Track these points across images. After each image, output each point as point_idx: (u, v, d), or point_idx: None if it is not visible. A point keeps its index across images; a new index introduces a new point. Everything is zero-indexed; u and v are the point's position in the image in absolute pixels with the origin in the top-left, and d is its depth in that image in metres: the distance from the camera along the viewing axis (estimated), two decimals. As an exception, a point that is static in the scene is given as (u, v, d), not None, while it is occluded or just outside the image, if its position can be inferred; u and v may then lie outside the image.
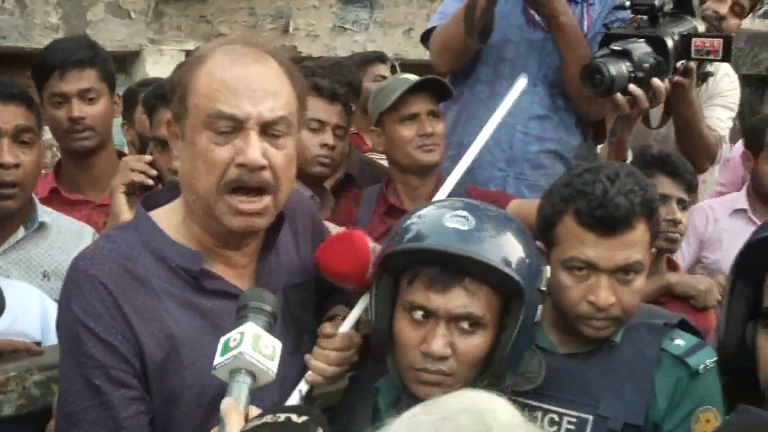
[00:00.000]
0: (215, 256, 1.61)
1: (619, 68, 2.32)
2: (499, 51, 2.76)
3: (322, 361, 1.68)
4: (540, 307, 1.63)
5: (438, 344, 1.55)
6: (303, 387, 1.68)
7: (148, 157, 2.23)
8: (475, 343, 1.57)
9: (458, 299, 1.55)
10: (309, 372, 1.68)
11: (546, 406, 1.78)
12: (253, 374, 1.36)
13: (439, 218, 1.59)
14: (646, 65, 2.33)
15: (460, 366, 1.56)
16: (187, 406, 1.54)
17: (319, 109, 2.72)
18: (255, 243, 1.66)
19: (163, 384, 1.53)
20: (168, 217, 1.62)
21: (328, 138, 2.70)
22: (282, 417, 1.20)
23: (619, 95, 2.33)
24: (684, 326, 1.85)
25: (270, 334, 1.40)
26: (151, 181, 2.11)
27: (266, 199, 1.54)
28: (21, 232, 2.26)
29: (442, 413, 0.89)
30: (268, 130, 1.51)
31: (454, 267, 1.55)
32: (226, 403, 1.32)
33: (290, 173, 1.59)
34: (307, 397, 1.70)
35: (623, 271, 1.74)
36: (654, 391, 1.76)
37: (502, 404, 0.96)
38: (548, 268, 1.69)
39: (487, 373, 1.59)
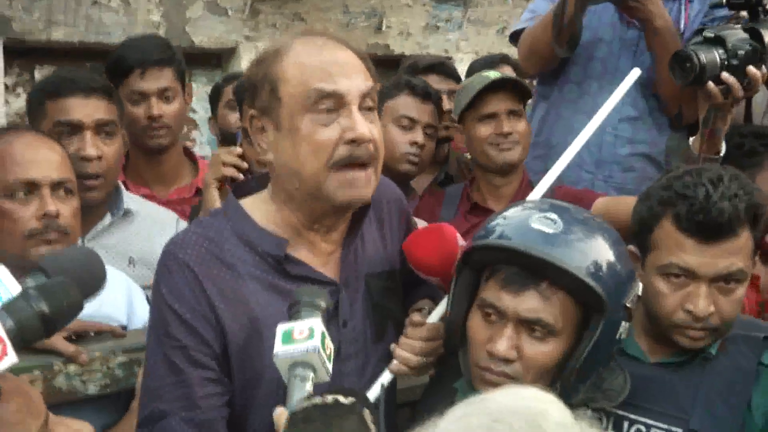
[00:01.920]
0: (302, 242, 1.64)
1: (711, 55, 2.20)
2: (590, 50, 2.69)
3: (407, 351, 1.67)
4: (624, 324, 1.55)
5: (502, 345, 1.51)
6: (386, 377, 1.68)
7: (238, 150, 2.27)
8: (544, 350, 1.51)
9: (530, 303, 1.50)
10: (393, 361, 1.68)
11: (633, 416, 1.71)
12: (314, 370, 1.34)
13: (526, 219, 1.54)
14: (741, 52, 2.20)
15: (525, 371, 1.51)
16: (269, 387, 1.56)
17: (410, 107, 2.73)
18: (340, 230, 1.68)
19: (246, 365, 1.57)
20: (257, 205, 1.67)
21: (418, 136, 2.71)
22: (330, 398, 1.18)
23: (711, 84, 2.21)
24: None
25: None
26: (242, 176, 2.14)
27: (370, 171, 1.57)
28: (108, 219, 2.33)
29: (493, 415, 0.86)
30: (363, 104, 1.56)
31: (533, 269, 1.50)
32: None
33: (383, 147, 1.63)
34: (390, 389, 1.69)
35: (724, 280, 1.65)
36: (751, 407, 1.66)
37: (554, 404, 0.92)
38: (640, 284, 1.62)
39: (555, 385, 1.52)
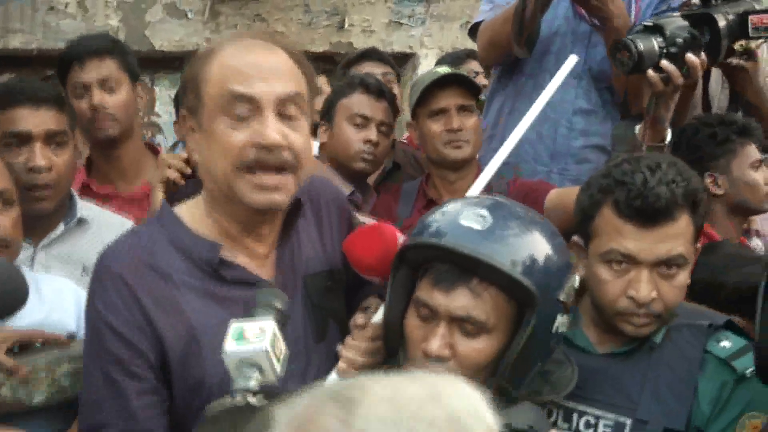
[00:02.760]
0: (236, 246, 1.62)
1: (648, 43, 2.21)
2: (545, 43, 2.70)
3: (353, 352, 1.66)
4: (561, 317, 1.55)
5: (435, 344, 1.50)
6: (332, 378, 1.66)
7: (184, 154, 2.25)
8: (478, 347, 1.51)
9: (461, 300, 1.49)
10: (340, 362, 1.66)
11: (582, 408, 1.72)
12: (261, 371, 1.34)
13: (457, 215, 1.54)
14: (680, 40, 2.21)
15: (460, 369, 1.49)
16: (210, 394, 1.53)
17: (364, 105, 2.72)
18: (274, 232, 1.67)
19: (186, 373, 1.56)
20: (191, 211, 1.65)
21: (372, 134, 2.70)
22: (240, 399, 1.20)
23: (650, 72, 2.22)
24: (731, 327, 1.76)
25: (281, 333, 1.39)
26: (183, 180, 2.13)
27: (285, 176, 1.55)
28: (60, 228, 2.30)
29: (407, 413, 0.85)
30: (283, 110, 1.54)
31: (463, 267, 1.49)
32: None
33: (308, 154, 1.61)
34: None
35: (665, 265, 1.66)
36: (697, 395, 1.68)
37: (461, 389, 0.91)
38: (576, 277, 1.61)
39: (493, 380, 1.52)
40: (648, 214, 1.63)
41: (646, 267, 1.66)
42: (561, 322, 1.56)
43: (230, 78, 1.52)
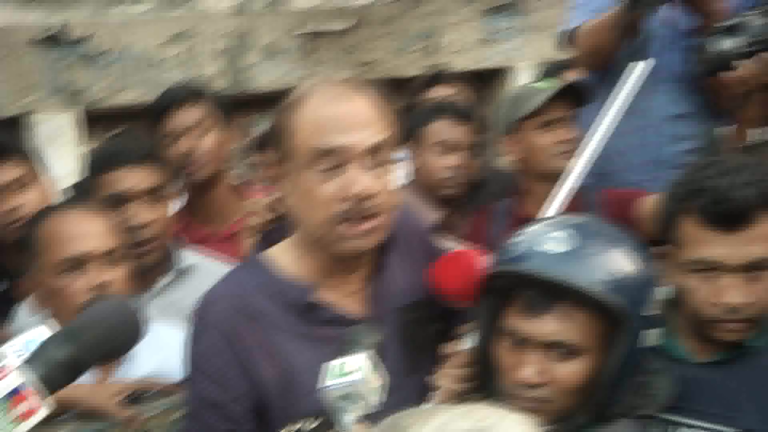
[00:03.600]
0: (329, 284, 1.67)
1: (728, 43, 2.16)
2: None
3: (446, 380, 1.68)
4: (650, 331, 1.55)
5: (527, 371, 1.50)
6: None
7: (265, 200, 2.33)
8: (572, 369, 1.50)
9: (550, 326, 1.49)
10: (436, 392, 1.68)
11: (680, 420, 1.67)
12: (359, 402, 1.37)
13: (539, 239, 1.54)
14: (762, 38, 2.15)
15: (556, 393, 1.50)
16: None
17: (444, 131, 2.74)
18: (365, 267, 1.71)
19: (284, 414, 1.59)
20: (283, 254, 1.71)
21: (456, 160, 2.71)
22: (297, 426, 1.29)
23: (729, 73, 2.16)
24: None
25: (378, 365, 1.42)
26: (268, 226, 2.19)
27: (374, 221, 1.59)
28: (167, 278, 2.42)
29: None
30: (370, 159, 1.57)
31: (549, 291, 1.49)
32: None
33: (395, 199, 1.65)
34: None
35: (754, 268, 1.62)
36: None
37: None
38: (665, 288, 1.61)
39: (589, 400, 1.51)
40: (729, 218, 1.60)
41: (734, 272, 1.61)
42: (652, 335, 1.55)
43: (317, 132, 1.57)
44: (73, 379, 1.21)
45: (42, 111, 4.81)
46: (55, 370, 1.16)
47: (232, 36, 5.21)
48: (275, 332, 1.63)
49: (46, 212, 2.09)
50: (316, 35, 5.34)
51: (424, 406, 1.67)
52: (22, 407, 1.11)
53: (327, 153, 1.56)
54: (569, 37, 2.84)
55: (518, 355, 1.53)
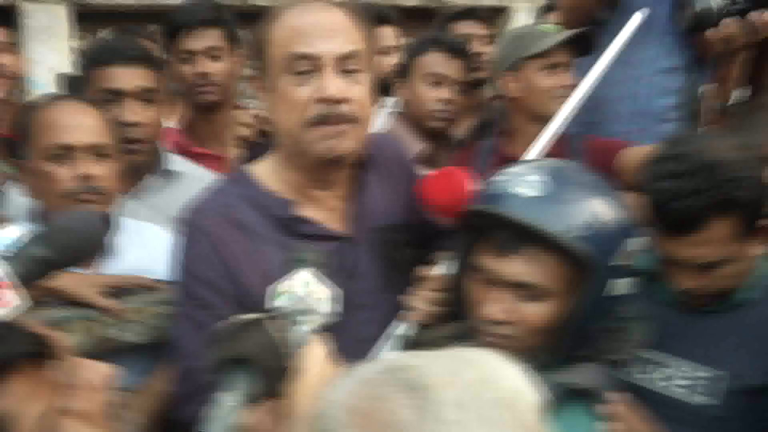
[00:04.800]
0: (308, 200, 1.74)
1: (707, 2, 2.19)
2: (629, 3, 2.67)
3: (418, 302, 1.76)
4: (622, 280, 1.57)
5: (493, 309, 1.55)
6: (402, 327, 1.76)
7: (254, 111, 2.36)
8: (538, 311, 1.54)
9: (517, 267, 1.53)
10: (410, 313, 1.76)
11: (659, 358, 1.76)
12: (308, 316, 1.41)
13: (512, 181, 1.58)
14: None
15: (521, 332, 1.54)
16: None
17: (438, 63, 2.76)
18: (345, 185, 1.77)
19: None
20: (264, 168, 1.78)
21: (446, 93, 2.74)
22: (245, 318, 1.34)
23: (710, 31, 2.21)
24: None
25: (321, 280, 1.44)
26: (255, 137, 2.23)
27: (347, 126, 1.65)
28: (151, 180, 2.46)
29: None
30: (342, 66, 1.64)
31: (520, 233, 1.52)
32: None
33: (369, 107, 1.70)
34: (409, 341, 1.77)
35: (708, 267, 1.69)
36: None
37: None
38: (635, 240, 1.63)
39: (553, 342, 1.56)
40: (674, 224, 1.67)
41: (690, 267, 1.70)
42: (623, 284, 1.58)
43: (292, 39, 1.63)
44: (46, 276, 1.28)
45: (35, 1, 4.74)
46: (31, 266, 1.22)
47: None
48: (260, 242, 1.70)
49: (42, 101, 2.12)
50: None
51: (399, 326, 1.75)
52: (3, 295, 1.16)
53: (301, 57, 1.62)
54: None
55: (487, 292, 1.57)
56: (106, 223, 1.48)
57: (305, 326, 1.39)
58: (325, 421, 0.89)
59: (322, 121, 1.63)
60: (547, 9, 3.95)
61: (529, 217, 1.50)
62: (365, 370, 0.93)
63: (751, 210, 1.67)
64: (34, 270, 1.22)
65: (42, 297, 1.81)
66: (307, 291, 1.40)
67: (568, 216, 1.52)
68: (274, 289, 1.41)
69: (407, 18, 4.80)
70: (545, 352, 1.55)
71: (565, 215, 1.52)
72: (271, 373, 1.28)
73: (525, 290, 1.53)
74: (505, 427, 0.86)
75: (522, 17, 5.38)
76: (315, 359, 1.34)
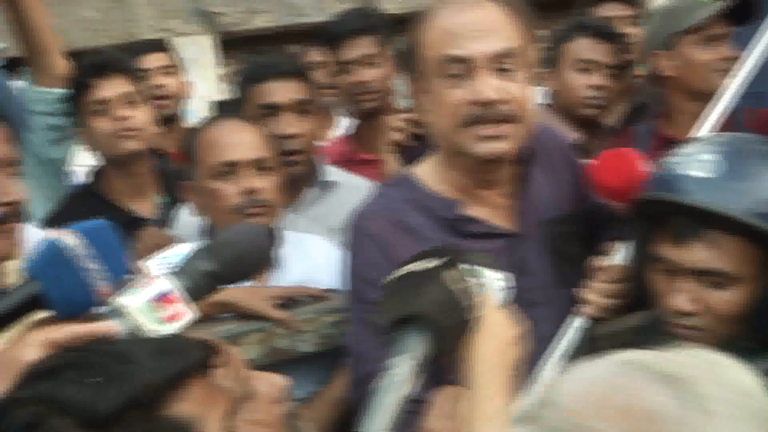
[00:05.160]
0: (474, 199, 1.72)
1: None
2: None
3: (593, 294, 1.70)
4: None
5: (679, 300, 1.48)
6: (576, 321, 1.71)
7: (406, 114, 2.36)
8: (727, 298, 1.45)
9: (700, 254, 1.45)
10: (583, 306, 1.71)
11: None
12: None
13: (684, 163, 1.50)
14: None
15: (712, 322, 1.46)
16: None
17: (587, 49, 2.68)
18: (510, 182, 1.74)
19: None
20: (426, 170, 1.77)
21: (597, 79, 2.66)
22: (418, 265, 1.20)
23: None
24: None
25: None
26: (410, 139, 2.23)
27: (506, 126, 1.61)
28: (311, 192, 2.51)
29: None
30: (497, 65, 1.60)
31: (698, 217, 1.44)
32: None
33: (528, 104, 1.66)
34: (587, 335, 1.72)
35: None
36: None
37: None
38: None
39: (753, 329, 1.47)
40: None
41: None
42: None
43: (443, 41, 1.61)
44: (214, 291, 1.29)
45: (183, 35, 4.99)
46: (199, 280, 1.24)
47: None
48: (427, 244, 1.67)
49: (204, 123, 2.23)
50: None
51: (576, 321, 1.69)
52: (170, 310, 1.18)
53: (455, 60, 1.60)
54: None
55: (671, 282, 1.50)
56: (270, 236, 1.50)
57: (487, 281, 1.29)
58: (558, 415, 0.84)
59: (477, 121, 1.60)
60: None
61: (706, 200, 1.43)
62: (594, 365, 0.88)
63: None
64: (201, 284, 1.24)
65: (216, 312, 1.89)
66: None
67: (748, 194, 1.43)
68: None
69: (541, 9, 4.72)
70: (742, 339, 1.46)
71: (744, 194, 1.43)
72: (447, 331, 1.16)
73: (710, 278, 1.45)
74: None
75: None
76: (495, 317, 1.26)
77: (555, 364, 1.66)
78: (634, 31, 3.03)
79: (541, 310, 1.71)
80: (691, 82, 2.46)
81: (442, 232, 1.69)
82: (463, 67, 1.60)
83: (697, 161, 1.48)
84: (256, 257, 1.40)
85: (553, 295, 1.73)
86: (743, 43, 2.38)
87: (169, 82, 3.26)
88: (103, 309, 1.17)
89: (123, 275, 1.19)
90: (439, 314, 1.15)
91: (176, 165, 2.76)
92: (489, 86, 1.58)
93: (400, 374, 1.11)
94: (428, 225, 1.70)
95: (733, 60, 2.34)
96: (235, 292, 1.87)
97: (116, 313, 1.15)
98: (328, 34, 2.87)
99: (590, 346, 1.74)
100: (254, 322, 1.92)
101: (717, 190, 1.44)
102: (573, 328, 1.71)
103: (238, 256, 1.33)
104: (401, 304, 1.16)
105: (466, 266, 1.21)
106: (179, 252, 1.37)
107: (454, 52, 1.60)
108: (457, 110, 1.61)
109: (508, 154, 1.66)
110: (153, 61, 3.24)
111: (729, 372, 0.86)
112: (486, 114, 1.60)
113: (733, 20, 2.43)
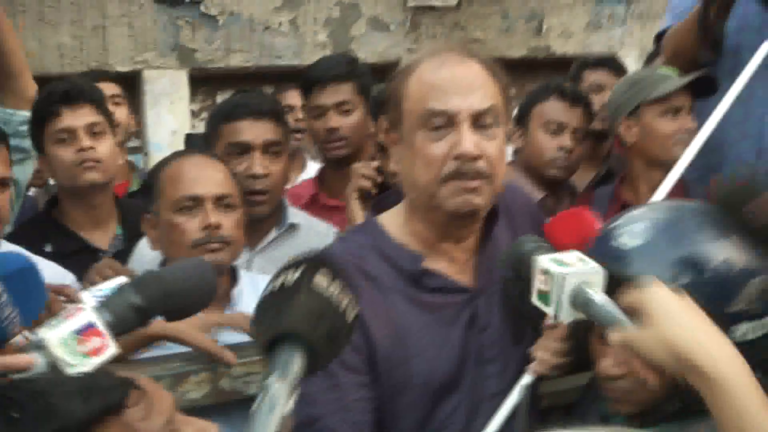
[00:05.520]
0: (437, 253, 1.72)
1: None
2: (737, 38, 2.58)
3: (545, 352, 1.70)
4: (745, 324, 1.44)
5: (605, 363, 1.50)
6: (526, 379, 1.71)
7: (375, 163, 2.38)
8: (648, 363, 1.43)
9: None
10: (533, 363, 1.71)
11: None
12: (590, 283, 1.32)
13: (614, 231, 1.52)
14: None
15: (636, 385, 1.48)
16: (414, 395, 1.64)
17: (558, 111, 2.74)
18: (473, 238, 1.75)
19: (392, 373, 1.64)
20: (393, 220, 1.77)
21: (566, 141, 2.71)
22: (278, 283, 1.13)
23: None
24: None
25: None
26: (374, 188, 2.24)
27: (481, 182, 1.63)
28: (273, 233, 2.50)
29: None
30: (478, 122, 1.61)
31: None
32: None
33: (502, 163, 1.68)
34: (532, 393, 1.73)
35: None
36: None
37: None
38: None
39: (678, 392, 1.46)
40: None
41: None
42: (748, 328, 1.45)
43: (427, 95, 1.61)
44: (142, 325, 1.27)
45: (157, 68, 5.00)
46: (124, 314, 1.22)
47: (340, 6, 5.29)
48: (389, 293, 1.68)
49: (170, 157, 2.21)
50: (423, 10, 5.37)
51: (526, 378, 1.70)
52: (91, 344, 1.15)
53: (437, 114, 1.60)
54: (658, 40, 2.83)
55: (602, 345, 1.51)
56: (214, 274, 1.47)
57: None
58: None
59: (456, 176, 1.62)
60: (655, 54, 3.88)
61: (625, 270, 1.43)
62: None
63: None
64: (127, 318, 1.22)
65: (143, 345, 1.82)
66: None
67: (664, 265, 1.43)
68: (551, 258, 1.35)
69: (512, 69, 4.83)
70: (668, 402, 1.47)
71: (664, 263, 1.43)
72: (322, 342, 1.11)
73: None
74: None
75: (630, 63, 5.30)
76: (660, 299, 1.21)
77: (501, 422, 1.66)
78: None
79: (495, 366, 1.72)
80: (652, 150, 2.53)
81: (403, 282, 1.69)
82: (445, 120, 1.61)
83: (625, 230, 1.51)
84: (193, 294, 1.37)
85: (508, 352, 1.74)
86: (698, 116, 2.47)
87: (116, 112, 3.21)
88: (23, 341, 1.16)
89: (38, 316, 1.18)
90: (308, 327, 1.11)
91: (119, 196, 2.77)
92: (470, 141, 1.60)
93: (275, 395, 1.06)
94: (389, 274, 1.69)
95: (692, 131, 2.42)
96: (164, 323, 1.82)
97: (35, 345, 1.12)
98: (307, 78, 2.87)
99: (534, 404, 1.76)
100: (199, 362, 1.87)
101: (638, 259, 1.45)
102: (520, 386, 1.72)
103: (168, 292, 1.30)
104: (270, 324, 1.11)
105: (329, 271, 1.17)
106: (112, 284, 1.33)
107: (438, 107, 1.60)
108: (439, 164, 1.61)
109: (480, 210, 1.68)
110: (102, 89, 3.07)
111: None
112: (465, 169, 1.61)
113: (694, 93, 2.51)
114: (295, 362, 1.09)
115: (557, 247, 1.75)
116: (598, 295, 1.30)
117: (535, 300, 1.39)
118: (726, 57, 2.63)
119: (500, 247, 1.78)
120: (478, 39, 5.44)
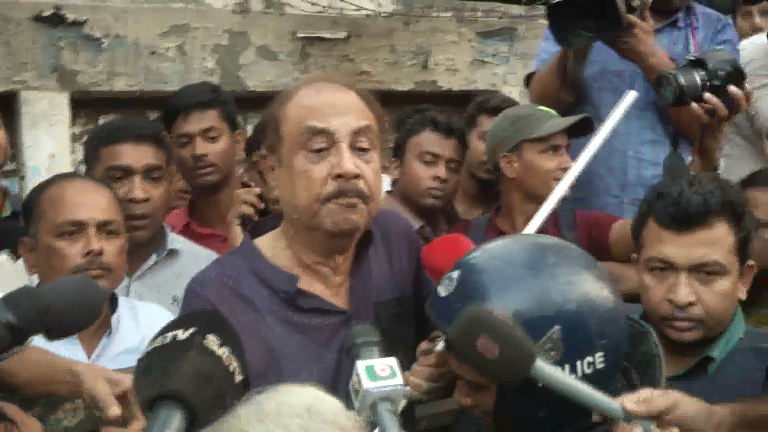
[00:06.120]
0: (313, 276, 1.75)
1: (690, 77, 2.34)
2: (600, 81, 2.80)
3: (418, 377, 1.75)
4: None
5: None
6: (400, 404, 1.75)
7: (257, 189, 2.40)
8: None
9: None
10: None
11: None
12: (389, 399, 1.32)
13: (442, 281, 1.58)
14: (722, 72, 2.33)
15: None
16: None
17: (433, 142, 2.83)
18: (348, 262, 1.79)
19: None
20: (270, 243, 1.79)
21: (441, 171, 2.80)
22: (169, 337, 1.12)
23: (694, 104, 2.34)
24: None
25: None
26: (256, 214, 2.26)
27: (359, 201, 1.68)
28: (153, 259, 2.48)
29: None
30: (355, 143, 1.67)
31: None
32: None
33: (378, 184, 1.74)
34: (407, 414, 1.75)
35: (704, 270, 1.77)
36: None
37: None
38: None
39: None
40: (681, 221, 1.75)
41: (684, 272, 1.76)
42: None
43: (307, 116, 1.67)
44: (15, 343, 1.24)
45: (35, 89, 4.84)
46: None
47: (229, 34, 5.28)
48: (264, 314, 1.71)
49: (52, 180, 2.16)
50: (312, 41, 5.43)
51: None
52: None
53: (317, 132, 1.65)
54: (527, 83, 3.01)
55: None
56: (98, 292, 1.44)
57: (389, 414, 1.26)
58: None
59: (337, 195, 1.66)
60: None
61: (438, 318, 1.54)
62: None
63: (745, 226, 1.79)
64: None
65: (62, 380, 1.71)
66: (402, 382, 1.33)
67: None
68: (359, 370, 1.33)
69: (399, 102, 4.94)
70: None
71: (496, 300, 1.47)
72: (203, 405, 1.09)
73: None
74: None
75: (514, 98, 5.51)
76: None
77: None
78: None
79: None
80: (531, 185, 2.63)
81: (278, 304, 1.71)
82: (325, 141, 1.66)
83: (446, 278, 1.56)
84: (74, 311, 1.35)
85: None
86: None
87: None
88: None
89: None
90: (194, 390, 1.09)
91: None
92: (350, 161, 1.65)
93: None
94: (265, 296, 1.72)
95: (568, 169, 2.54)
96: (80, 366, 1.72)
97: None
98: (171, 106, 2.85)
99: (410, 426, 1.80)
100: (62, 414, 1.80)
101: (444, 309, 1.52)
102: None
103: (44, 308, 1.27)
104: (154, 382, 1.09)
105: (217, 336, 1.16)
106: None
107: (317, 125, 1.65)
108: (321, 184, 1.65)
109: (357, 228, 1.72)
110: None
111: None
112: (346, 188, 1.65)
113: (571, 133, 2.64)
114: (175, 422, 1.06)
115: (432, 272, 1.81)
116: (387, 415, 1.28)
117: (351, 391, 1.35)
118: (589, 97, 2.81)
119: (376, 269, 1.83)
120: (366, 72, 5.53)
